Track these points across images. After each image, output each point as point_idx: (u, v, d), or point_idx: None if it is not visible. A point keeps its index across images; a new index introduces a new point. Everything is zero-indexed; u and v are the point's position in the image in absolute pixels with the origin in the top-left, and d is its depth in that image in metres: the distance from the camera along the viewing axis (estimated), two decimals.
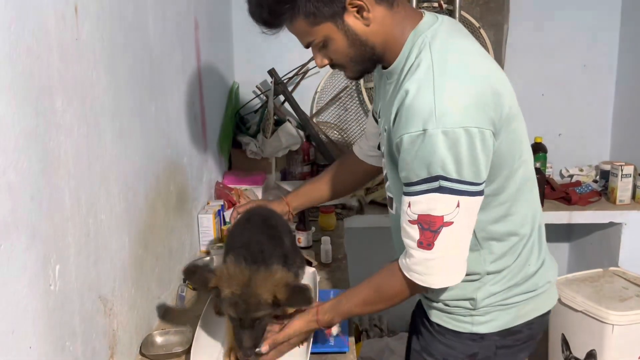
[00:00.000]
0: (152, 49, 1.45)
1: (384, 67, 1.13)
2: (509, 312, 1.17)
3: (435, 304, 1.21)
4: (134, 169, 1.29)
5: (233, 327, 1.14)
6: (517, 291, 1.17)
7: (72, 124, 0.97)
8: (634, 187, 2.45)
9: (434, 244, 0.99)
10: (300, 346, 1.24)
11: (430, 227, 0.98)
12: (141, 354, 1.29)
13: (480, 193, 0.99)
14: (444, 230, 0.98)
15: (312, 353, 1.22)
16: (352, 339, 1.32)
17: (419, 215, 0.99)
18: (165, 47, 1.57)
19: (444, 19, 1.10)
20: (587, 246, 2.71)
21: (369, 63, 1.11)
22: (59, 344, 0.92)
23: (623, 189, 2.42)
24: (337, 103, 2.79)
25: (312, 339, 1.25)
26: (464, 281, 1.10)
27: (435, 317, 1.21)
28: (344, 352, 1.27)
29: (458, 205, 0.96)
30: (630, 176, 2.42)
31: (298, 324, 1.20)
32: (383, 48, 1.07)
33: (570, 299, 2.09)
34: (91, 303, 1.05)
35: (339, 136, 2.81)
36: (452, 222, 0.97)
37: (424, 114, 0.95)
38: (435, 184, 0.96)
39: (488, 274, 1.15)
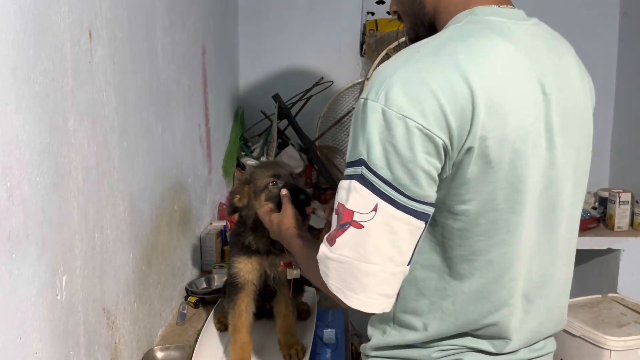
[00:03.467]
0: (161, 73, 1.52)
1: None
2: None
3: None
4: (139, 187, 1.34)
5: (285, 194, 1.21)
6: (403, 353, 0.92)
7: (82, 142, 1.02)
8: (632, 214, 2.48)
9: (335, 241, 0.78)
10: None
11: (338, 220, 0.78)
12: None
13: (415, 213, 0.75)
14: (351, 230, 0.76)
15: None
16: (349, 358, 1.35)
17: (338, 204, 0.79)
18: (173, 72, 1.63)
19: (531, 23, 0.87)
20: (586, 272, 2.73)
21: (420, 24, 0.94)
22: (63, 352, 0.95)
23: (621, 215, 2.45)
24: (340, 128, 2.85)
25: (309, 357, 1.27)
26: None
27: None
28: None
29: (375, 210, 0.75)
30: (628, 203, 2.45)
31: (278, 216, 1.15)
32: (434, 11, 0.91)
33: (569, 324, 2.09)
34: (95, 315, 1.08)
35: (341, 160, 2.86)
36: (362, 226, 0.76)
37: (378, 80, 0.77)
38: (358, 170, 0.76)
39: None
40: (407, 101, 0.73)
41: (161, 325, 1.50)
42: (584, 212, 2.56)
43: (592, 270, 2.67)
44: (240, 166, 2.58)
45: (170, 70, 1.61)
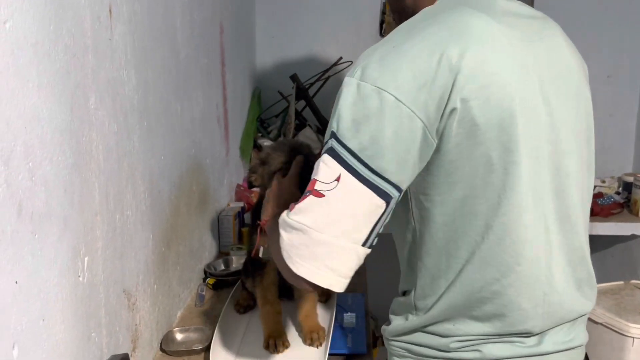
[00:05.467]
0: (179, 51, 1.49)
1: None
2: None
3: None
4: (159, 168, 1.32)
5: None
6: (423, 340, 0.91)
7: (103, 121, 1.00)
8: None
9: (294, 207, 0.78)
10: (319, 347, 1.26)
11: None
12: (161, 349, 1.31)
13: (377, 190, 0.75)
14: (310, 198, 0.76)
15: (329, 355, 1.23)
16: (369, 342, 1.33)
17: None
18: (191, 50, 1.60)
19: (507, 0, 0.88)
20: (608, 258, 2.68)
21: (405, 19, 0.93)
22: (85, 334, 0.94)
23: None
24: None
25: (330, 340, 1.26)
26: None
27: None
28: (362, 355, 1.28)
29: (338, 180, 0.75)
30: None
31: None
32: (414, 5, 0.92)
33: (591, 310, 2.07)
34: (116, 296, 1.07)
35: None
36: (322, 195, 0.75)
37: (359, 60, 0.80)
38: (329, 144, 0.77)
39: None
40: (382, 74, 0.75)
41: (180, 307, 1.50)
42: (608, 197, 2.51)
43: (615, 256, 2.62)
44: (257, 147, 2.56)
45: (189, 49, 1.58)
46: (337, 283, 0.80)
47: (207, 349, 1.27)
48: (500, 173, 0.80)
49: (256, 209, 1.39)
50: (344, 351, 1.28)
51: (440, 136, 0.78)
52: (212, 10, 1.88)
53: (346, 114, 0.76)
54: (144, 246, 1.23)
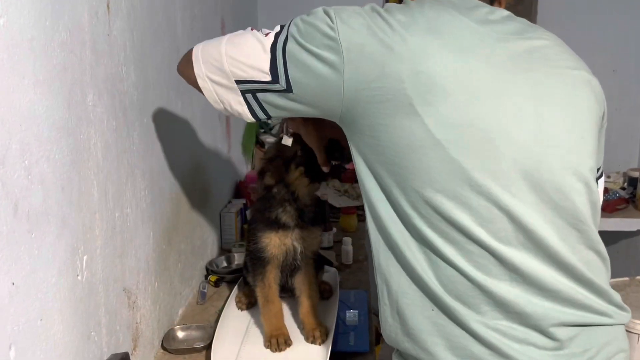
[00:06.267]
0: (180, 47, 1.47)
1: None
2: None
3: None
4: (159, 165, 1.31)
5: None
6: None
7: (102, 117, 0.99)
8: None
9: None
10: (320, 344, 1.24)
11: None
12: (163, 348, 1.30)
13: (273, 61, 0.87)
14: (247, 29, 0.94)
15: (332, 352, 1.22)
16: (372, 340, 1.32)
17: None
18: (192, 46, 1.58)
19: (490, 7, 0.91)
20: (613, 254, 2.65)
21: None
22: (84, 333, 0.93)
23: None
24: None
25: (332, 338, 1.25)
26: None
27: None
28: (365, 353, 1.26)
29: (266, 35, 0.89)
30: None
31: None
32: None
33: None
34: (116, 295, 1.06)
35: None
36: (252, 30, 0.93)
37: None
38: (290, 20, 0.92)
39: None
40: (343, 9, 0.87)
41: (182, 305, 1.49)
42: (613, 192, 2.49)
43: (620, 252, 2.61)
44: (260, 143, 2.54)
45: (190, 44, 1.56)
46: (206, 87, 0.99)
47: (208, 347, 1.26)
48: (429, 150, 0.80)
49: (255, 207, 1.37)
50: (347, 349, 1.27)
51: (364, 104, 0.83)
52: (214, 5, 1.87)
53: (312, 14, 0.88)
54: (145, 244, 1.22)
